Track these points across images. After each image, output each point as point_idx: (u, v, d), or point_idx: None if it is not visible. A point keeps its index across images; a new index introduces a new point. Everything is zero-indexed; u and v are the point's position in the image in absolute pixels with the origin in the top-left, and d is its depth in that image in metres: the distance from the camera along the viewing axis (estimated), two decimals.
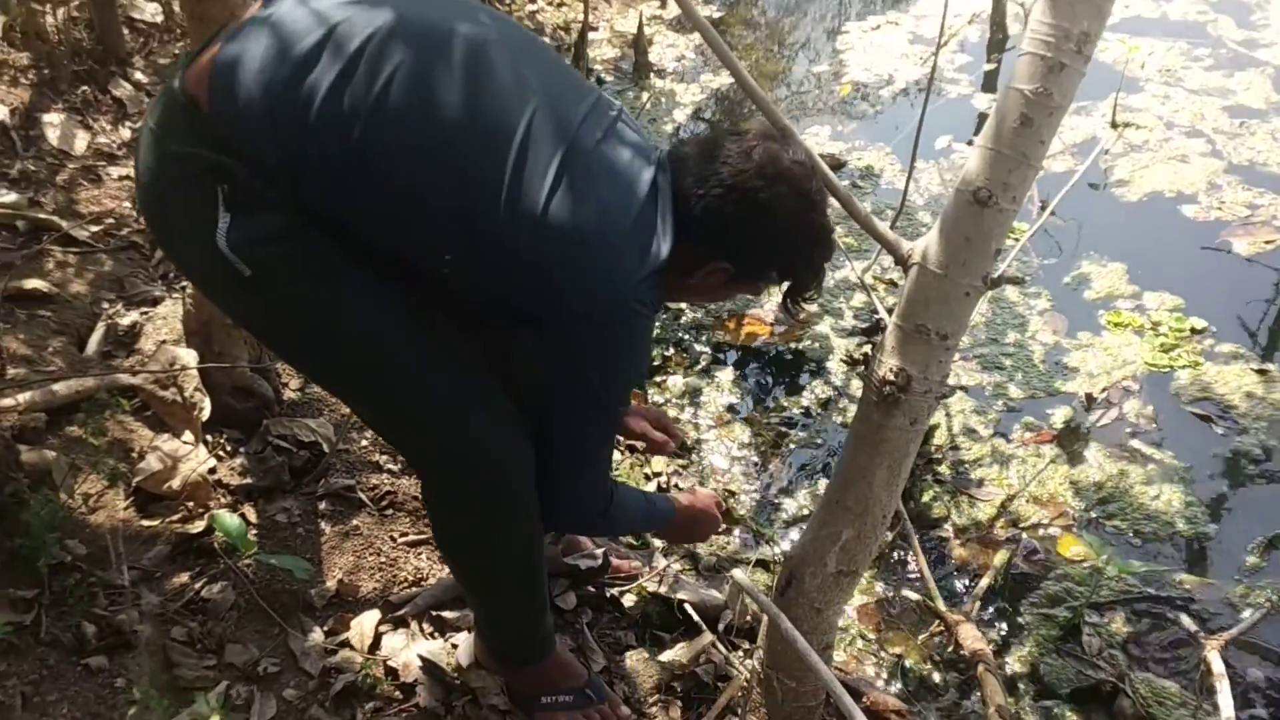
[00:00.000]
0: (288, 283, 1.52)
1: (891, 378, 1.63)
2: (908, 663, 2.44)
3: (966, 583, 2.59)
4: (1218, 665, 1.82)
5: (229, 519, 2.12)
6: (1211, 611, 2.46)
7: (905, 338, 1.63)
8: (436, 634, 2.15)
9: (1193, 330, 3.34)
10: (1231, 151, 4.17)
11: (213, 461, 2.33)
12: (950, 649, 2.36)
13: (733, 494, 2.87)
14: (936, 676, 2.39)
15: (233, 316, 2.03)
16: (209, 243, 1.47)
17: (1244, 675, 2.29)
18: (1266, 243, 3.66)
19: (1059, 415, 3.07)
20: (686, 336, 3.41)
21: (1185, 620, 2.34)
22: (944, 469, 2.92)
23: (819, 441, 3.05)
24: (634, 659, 2.21)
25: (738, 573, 1.65)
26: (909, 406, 1.64)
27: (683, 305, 3.50)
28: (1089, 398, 3.05)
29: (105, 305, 2.80)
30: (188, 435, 2.34)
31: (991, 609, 2.52)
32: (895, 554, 2.68)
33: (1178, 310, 3.40)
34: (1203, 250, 3.67)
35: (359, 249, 1.52)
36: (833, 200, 1.71)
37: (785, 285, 1.75)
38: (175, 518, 2.21)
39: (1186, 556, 2.65)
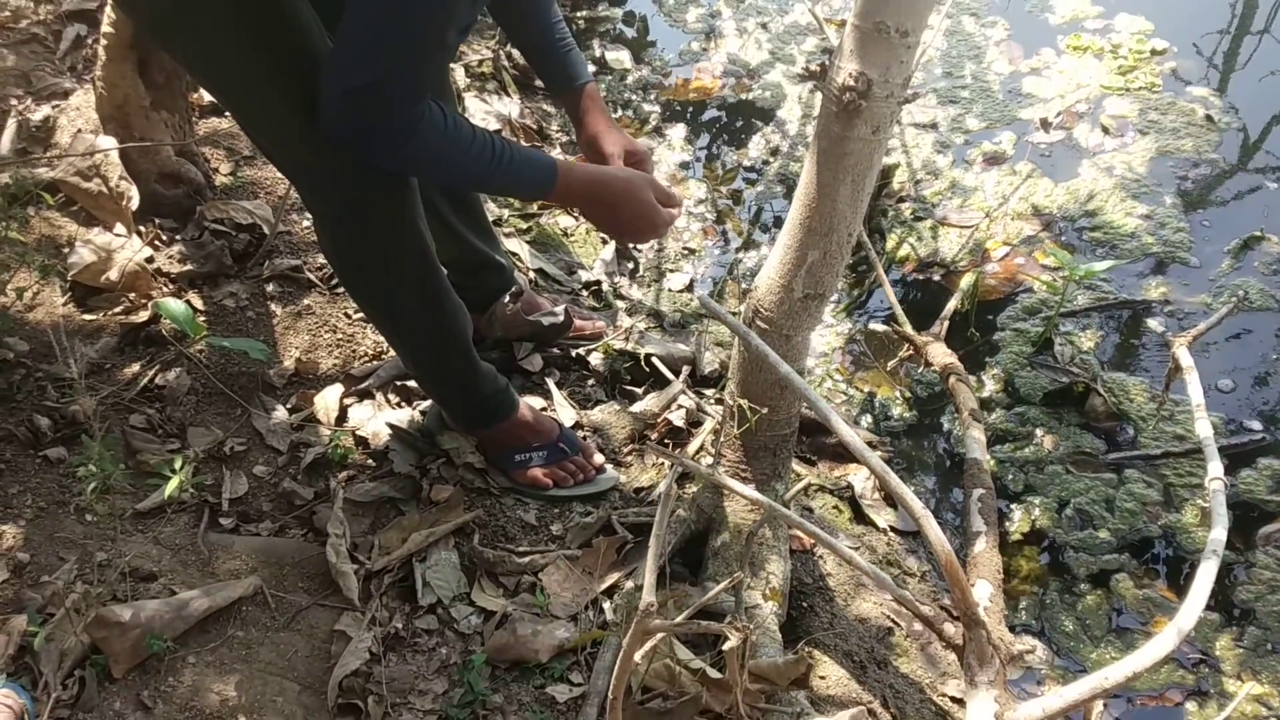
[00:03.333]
0: None
1: (852, 83, 1.53)
2: (878, 397, 2.45)
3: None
4: (1186, 359, 1.81)
5: (174, 305, 2.04)
6: (1185, 312, 2.50)
7: (864, 38, 1.52)
8: (403, 403, 2.12)
9: (1153, 51, 3.24)
10: None
11: (149, 250, 2.23)
12: (921, 369, 2.37)
13: (693, 251, 2.82)
14: (901, 408, 2.42)
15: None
16: None
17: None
18: None
19: (1006, 141, 3.00)
20: (634, 97, 3.26)
21: (1152, 322, 2.37)
22: (906, 208, 2.87)
23: (777, 190, 2.97)
24: (605, 412, 2.20)
25: (703, 295, 1.60)
26: (871, 113, 1.56)
27: (626, 65, 3.35)
28: (1043, 122, 2.99)
29: (13, 102, 2.62)
30: (119, 227, 2.23)
31: (970, 333, 2.54)
32: (861, 293, 2.66)
33: (1144, 33, 3.29)
34: None
35: None
36: None
37: None
38: (117, 309, 2.12)
39: (1161, 265, 2.67)
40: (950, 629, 1.26)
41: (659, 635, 1.24)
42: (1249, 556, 2.11)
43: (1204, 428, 1.67)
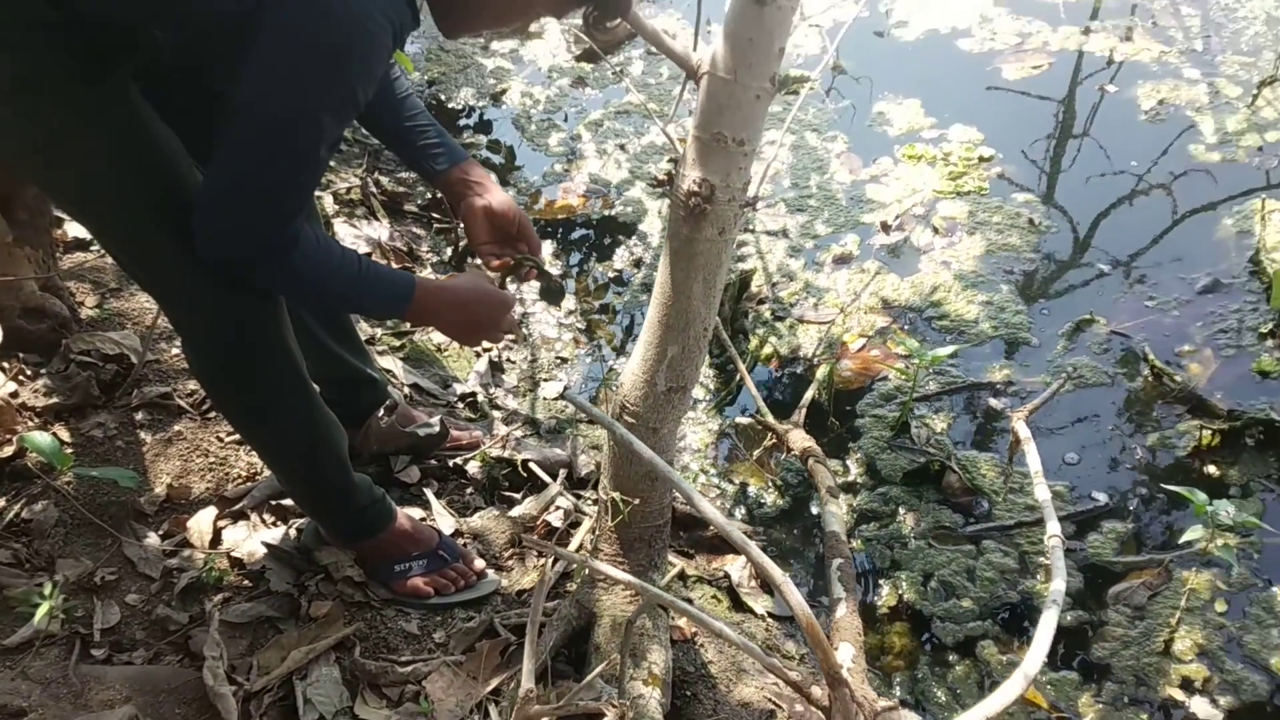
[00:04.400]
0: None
1: (696, 189, 1.66)
2: (751, 488, 2.55)
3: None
4: (1024, 432, 1.97)
5: (40, 438, 1.99)
6: (1027, 391, 2.68)
7: (704, 148, 1.65)
8: (279, 522, 2.11)
9: (981, 158, 3.51)
10: None
11: (13, 385, 2.20)
12: (784, 456, 2.49)
13: (565, 360, 2.90)
14: (773, 496, 2.51)
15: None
16: None
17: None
18: (1034, 67, 3.88)
19: (851, 243, 3.22)
20: None
21: (993, 401, 2.55)
22: (765, 310, 3.02)
23: (642, 298, 3.09)
24: (484, 518, 2.23)
25: (568, 391, 1.67)
26: (716, 216, 1.68)
27: None
28: (884, 225, 3.21)
29: None
30: None
31: (831, 421, 2.68)
32: (729, 391, 2.78)
33: (974, 142, 3.57)
34: (989, 85, 3.85)
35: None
36: None
37: (592, 5, 1.60)
38: None
39: (1004, 348, 2.88)
40: (817, 691, 1.33)
41: None
42: (1101, 615, 2.24)
43: (1042, 492, 1.80)
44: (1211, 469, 2.52)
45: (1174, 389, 2.65)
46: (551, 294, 2.49)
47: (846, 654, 1.61)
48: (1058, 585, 1.49)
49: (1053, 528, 1.64)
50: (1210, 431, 2.55)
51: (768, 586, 2.32)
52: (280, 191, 1.42)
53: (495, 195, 1.85)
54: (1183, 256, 3.12)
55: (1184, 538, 2.08)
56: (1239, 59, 3.90)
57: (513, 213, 1.85)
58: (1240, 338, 2.84)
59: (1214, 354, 2.80)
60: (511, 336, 1.80)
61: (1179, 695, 2.11)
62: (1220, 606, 2.25)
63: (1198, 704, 2.09)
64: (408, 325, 2.81)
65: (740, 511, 2.50)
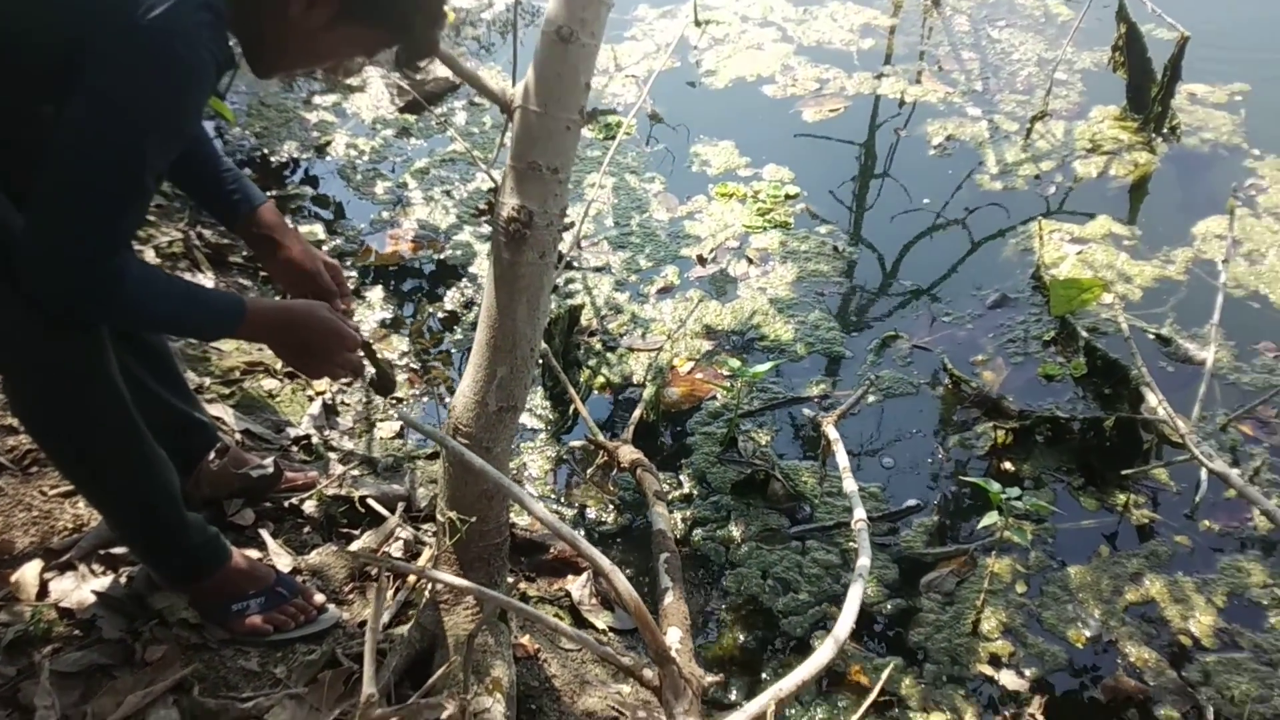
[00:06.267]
0: None
1: (515, 215, 1.75)
2: (590, 511, 2.63)
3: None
4: (833, 434, 2.13)
5: None
6: (841, 402, 2.86)
7: (521, 176, 1.75)
8: (109, 571, 2.07)
9: (787, 196, 3.74)
10: (800, 35, 4.67)
11: None
12: (616, 472, 2.60)
13: (400, 400, 2.93)
14: (613, 514, 2.61)
15: None
16: None
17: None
18: (831, 110, 4.17)
19: (671, 274, 3.39)
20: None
21: (807, 411, 2.73)
22: (596, 341, 3.13)
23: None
24: (323, 555, 2.24)
25: (399, 408, 1.72)
26: (535, 240, 1.77)
27: (320, 236, 3.48)
28: (700, 258, 3.39)
29: None
30: None
31: (664, 441, 2.82)
32: (566, 419, 2.86)
33: (782, 180, 3.80)
34: (793, 129, 4.10)
35: None
36: None
37: (400, 45, 1.64)
38: None
39: (819, 364, 3.07)
40: (648, 673, 1.41)
41: None
42: (916, 603, 2.41)
43: (849, 484, 1.96)
44: (1008, 465, 2.75)
45: (971, 395, 2.88)
46: (382, 384, 2.07)
47: (674, 636, 1.71)
48: (863, 561, 1.63)
49: (859, 514, 1.78)
50: (1004, 431, 2.78)
51: (608, 603, 2.40)
52: (106, 217, 1.42)
53: (294, 247, 1.89)
54: (974, 276, 3.40)
55: (981, 524, 2.27)
56: (1015, 97, 4.28)
57: (311, 263, 1.89)
58: (1027, 346, 3.11)
59: (1004, 362, 3.06)
60: (350, 378, 1.75)
61: (989, 670, 2.28)
62: (1021, 588, 2.45)
63: (1006, 676, 2.27)
64: (238, 374, 2.80)
65: (581, 532, 2.57)
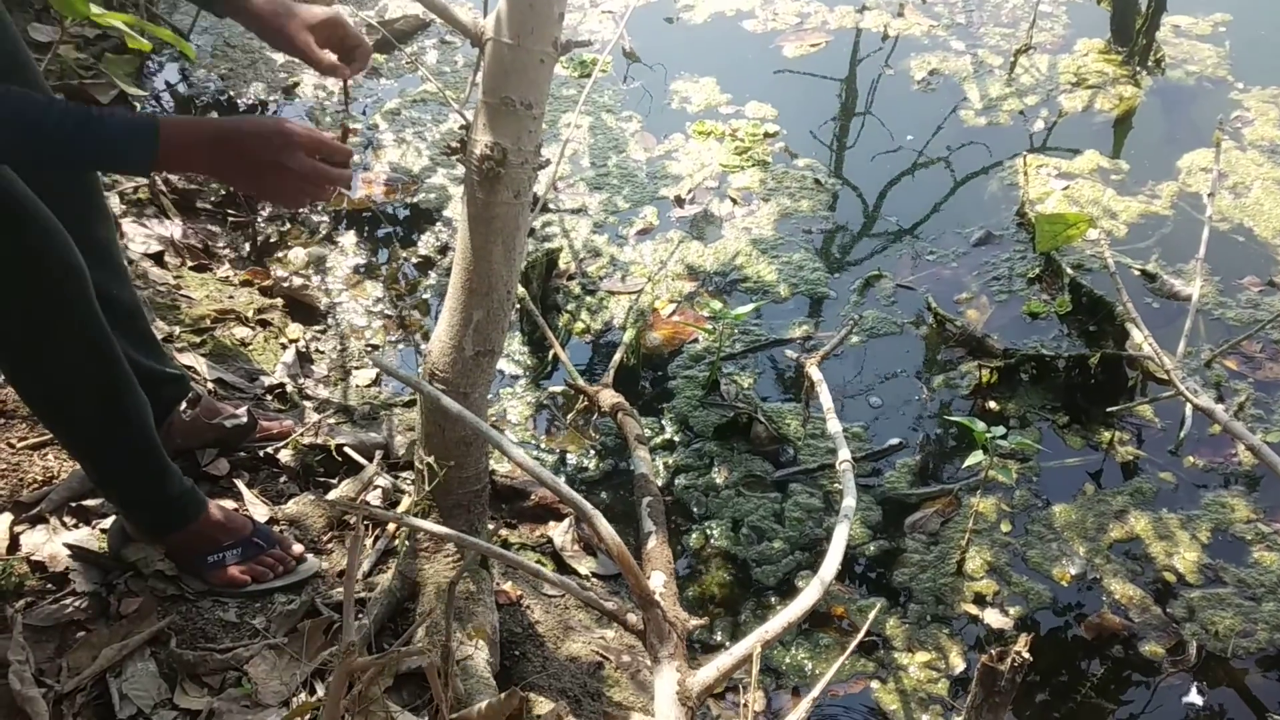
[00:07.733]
0: None
1: (489, 152, 1.69)
2: (571, 456, 2.60)
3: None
4: (816, 375, 2.10)
5: None
6: (825, 343, 2.82)
7: (494, 112, 1.69)
8: (81, 524, 2.03)
9: (766, 134, 3.67)
10: None
11: None
12: (596, 417, 2.56)
13: (376, 347, 2.88)
14: (594, 460, 2.58)
15: None
16: None
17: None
18: (812, 45, 4.09)
19: (651, 215, 3.33)
20: (302, 210, 3.32)
21: (790, 352, 2.69)
22: (575, 285, 3.08)
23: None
24: (300, 504, 2.21)
25: (375, 355, 1.68)
26: (510, 179, 1.72)
27: None
28: (677, 199, 3.33)
29: None
30: None
31: (645, 385, 2.79)
32: (546, 364, 2.82)
33: (765, 118, 3.72)
34: (771, 64, 4.02)
35: None
36: None
37: None
38: None
39: (804, 304, 3.03)
40: (633, 618, 1.39)
41: (366, 676, 1.29)
42: (900, 544, 2.40)
43: (834, 425, 1.93)
44: (992, 404, 2.72)
45: (955, 334, 2.85)
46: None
47: (658, 580, 1.68)
48: (849, 502, 1.60)
49: (843, 454, 1.76)
50: (989, 370, 2.76)
51: (591, 549, 2.38)
52: None
53: (312, 9, 1.70)
54: (958, 214, 3.36)
55: (966, 463, 2.25)
56: (999, 30, 4.21)
57: (336, 17, 1.70)
58: (1011, 284, 3.08)
59: (989, 300, 3.03)
60: (326, 195, 1.52)
61: (973, 610, 2.28)
62: (1005, 527, 2.44)
63: (990, 615, 2.27)
64: (209, 321, 2.73)
65: (562, 478, 2.54)
